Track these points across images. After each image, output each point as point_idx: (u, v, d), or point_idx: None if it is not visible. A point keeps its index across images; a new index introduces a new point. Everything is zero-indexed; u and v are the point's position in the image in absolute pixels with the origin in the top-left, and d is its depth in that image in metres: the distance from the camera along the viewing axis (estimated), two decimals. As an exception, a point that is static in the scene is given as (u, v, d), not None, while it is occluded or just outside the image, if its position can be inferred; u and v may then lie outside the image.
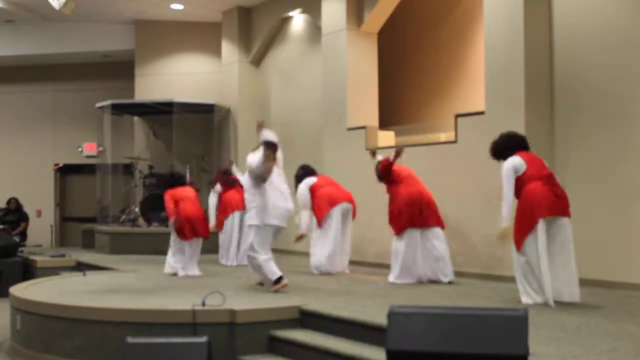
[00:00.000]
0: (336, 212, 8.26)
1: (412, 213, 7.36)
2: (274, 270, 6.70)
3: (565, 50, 7.46)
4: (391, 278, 7.42)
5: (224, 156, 12.63)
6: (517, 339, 3.32)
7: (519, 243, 5.92)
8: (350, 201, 8.48)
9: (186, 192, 8.56)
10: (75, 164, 14.81)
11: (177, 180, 9.03)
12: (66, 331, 5.95)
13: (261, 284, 7.07)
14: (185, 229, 8.22)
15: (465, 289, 6.96)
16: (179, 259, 8.35)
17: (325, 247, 8.24)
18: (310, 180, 8.54)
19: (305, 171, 8.73)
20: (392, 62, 10.90)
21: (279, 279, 6.67)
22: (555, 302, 5.79)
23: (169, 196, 8.41)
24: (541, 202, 5.83)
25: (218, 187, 10.08)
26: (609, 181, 6.92)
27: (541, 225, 5.80)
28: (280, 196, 6.88)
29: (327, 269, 8.19)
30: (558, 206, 5.88)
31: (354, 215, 8.55)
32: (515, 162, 6.05)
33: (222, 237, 9.85)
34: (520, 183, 6.01)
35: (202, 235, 8.37)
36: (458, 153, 8.14)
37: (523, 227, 5.88)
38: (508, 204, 6.03)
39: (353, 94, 9.92)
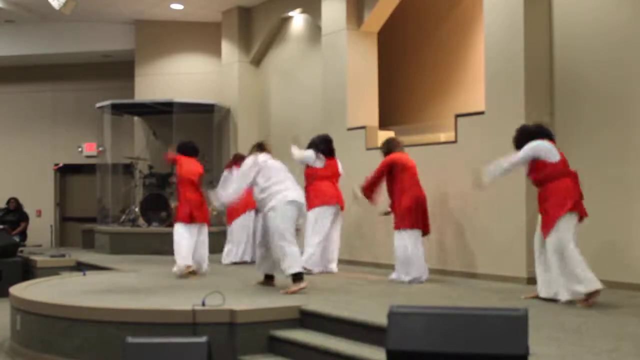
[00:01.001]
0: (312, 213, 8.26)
1: (418, 213, 7.41)
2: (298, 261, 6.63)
3: (565, 49, 7.46)
4: (394, 275, 7.43)
5: (224, 156, 12.66)
6: (517, 339, 3.32)
7: (547, 229, 5.90)
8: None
9: (193, 169, 8.41)
10: (75, 164, 14.80)
11: (188, 149, 8.55)
12: (66, 331, 5.95)
13: (262, 283, 7.06)
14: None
15: (465, 289, 6.97)
16: None
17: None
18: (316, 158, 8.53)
19: (318, 140, 8.71)
20: (392, 62, 10.90)
21: (300, 276, 6.56)
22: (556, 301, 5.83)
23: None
24: (575, 199, 5.93)
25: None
26: (609, 181, 6.92)
27: (573, 219, 5.88)
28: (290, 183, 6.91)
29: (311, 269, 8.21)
30: (582, 207, 5.99)
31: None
32: (547, 145, 6.04)
33: (236, 233, 9.77)
34: (549, 171, 5.99)
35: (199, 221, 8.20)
36: (458, 153, 8.14)
37: (553, 217, 5.90)
38: (502, 167, 6.08)
39: (353, 94, 9.92)
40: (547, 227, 5.93)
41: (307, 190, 8.20)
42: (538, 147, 6.03)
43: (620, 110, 6.94)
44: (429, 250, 7.88)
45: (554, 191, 5.94)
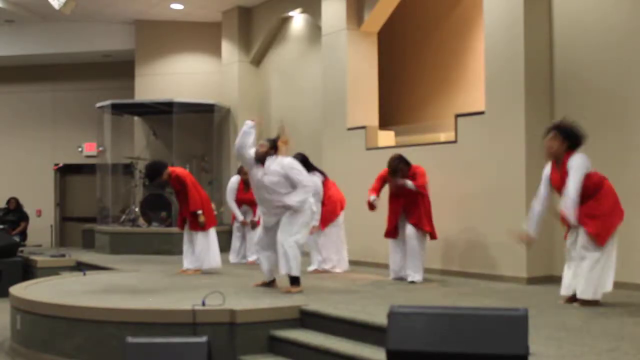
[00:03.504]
0: None
1: None
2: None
3: (565, 49, 7.46)
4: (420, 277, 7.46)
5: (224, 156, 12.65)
6: (517, 339, 3.32)
7: (605, 239, 5.78)
8: None
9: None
10: (75, 164, 14.81)
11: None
12: (66, 331, 5.95)
13: (265, 284, 7.04)
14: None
15: (465, 289, 6.97)
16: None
17: None
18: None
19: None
20: (392, 62, 10.90)
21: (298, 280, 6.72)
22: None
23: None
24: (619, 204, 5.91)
25: None
26: (609, 180, 6.91)
27: None
28: None
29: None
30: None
31: None
32: (586, 159, 5.83)
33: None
34: (593, 181, 5.84)
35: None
36: (458, 153, 8.14)
37: (613, 223, 5.82)
38: (573, 201, 5.69)
39: (353, 94, 9.92)
40: (604, 235, 5.78)
41: None
42: (583, 165, 5.75)
43: (621, 110, 6.94)
44: (430, 250, 7.89)
45: (608, 199, 5.85)
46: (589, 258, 5.78)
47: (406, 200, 7.49)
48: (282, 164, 6.65)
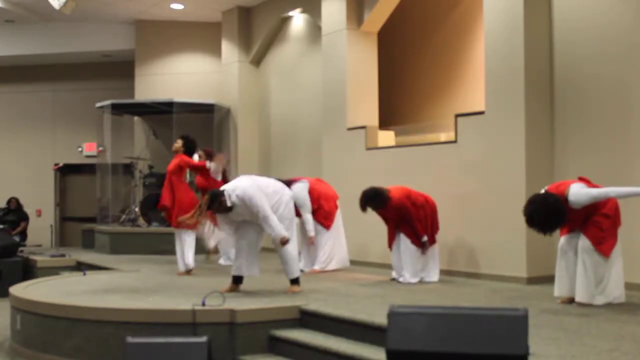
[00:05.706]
0: None
1: None
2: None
3: (565, 48, 7.45)
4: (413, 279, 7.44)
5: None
6: (517, 339, 3.31)
7: (609, 251, 5.85)
8: None
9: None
10: (75, 164, 14.80)
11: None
12: (66, 331, 5.95)
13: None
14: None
15: (465, 289, 6.97)
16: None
17: None
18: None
19: None
20: (392, 62, 10.90)
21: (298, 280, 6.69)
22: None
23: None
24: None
25: None
26: (609, 181, 6.90)
27: None
28: None
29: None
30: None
31: None
32: (580, 186, 5.88)
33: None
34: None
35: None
36: (458, 153, 8.14)
37: (614, 234, 5.90)
38: (621, 190, 5.84)
39: (353, 94, 9.92)
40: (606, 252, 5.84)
41: None
42: (589, 191, 5.82)
43: (622, 111, 6.93)
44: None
45: (612, 212, 5.92)
46: (588, 262, 5.79)
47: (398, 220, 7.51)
48: (243, 199, 6.32)
